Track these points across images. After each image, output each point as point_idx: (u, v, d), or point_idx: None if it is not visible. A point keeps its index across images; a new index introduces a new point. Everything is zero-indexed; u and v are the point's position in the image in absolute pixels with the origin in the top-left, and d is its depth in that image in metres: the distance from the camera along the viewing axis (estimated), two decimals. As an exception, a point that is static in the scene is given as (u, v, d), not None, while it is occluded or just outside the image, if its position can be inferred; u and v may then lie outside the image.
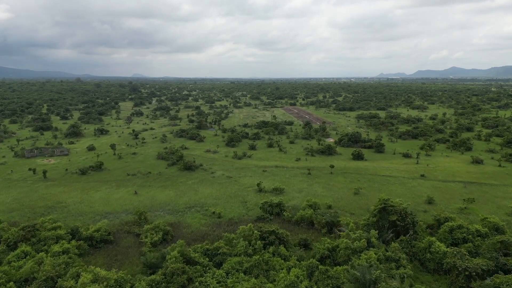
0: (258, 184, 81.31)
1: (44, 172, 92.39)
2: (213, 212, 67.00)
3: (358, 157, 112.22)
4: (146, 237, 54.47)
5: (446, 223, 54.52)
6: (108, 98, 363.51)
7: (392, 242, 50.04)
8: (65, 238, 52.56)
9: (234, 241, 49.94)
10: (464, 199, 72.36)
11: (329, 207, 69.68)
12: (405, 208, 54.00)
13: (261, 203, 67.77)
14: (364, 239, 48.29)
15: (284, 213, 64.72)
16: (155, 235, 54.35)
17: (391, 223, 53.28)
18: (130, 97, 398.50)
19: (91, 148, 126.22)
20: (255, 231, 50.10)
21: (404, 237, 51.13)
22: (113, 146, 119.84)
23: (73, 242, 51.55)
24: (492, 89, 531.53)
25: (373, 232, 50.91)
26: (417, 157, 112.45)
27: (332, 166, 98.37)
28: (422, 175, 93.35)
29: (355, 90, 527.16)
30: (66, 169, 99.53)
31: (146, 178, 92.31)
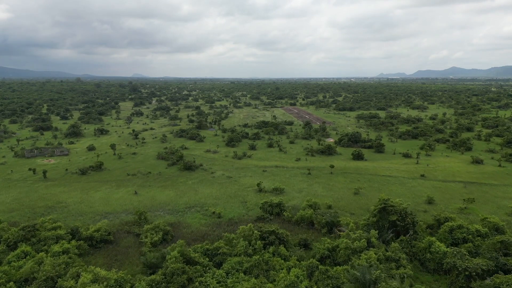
0: (258, 184, 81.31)
1: (44, 172, 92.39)
2: (213, 212, 67.00)
3: (358, 157, 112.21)
4: (146, 237, 54.46)
5: (446, 223, 54.51)
6: (108, 98, 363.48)
7: (392, 242, 50.06)
8: (65, 238, 52.56)
9: (234, 241, 49.93)
10: (464, 199, 72.34)
11: (329, 207, 69.68)
12: (405, 208, 53.99)
13: (261, 203, 67.75)
14: (364, 239, 48.29)
15: (284, 213, 64.70)
16: (155, 235, 54.35)
17: (391, 223, 53.29)
18: (130, 97, 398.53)
19: (91, 148, 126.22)
20: (255, 231, 50.10)
21: (404, 237, 51.15)
22: (113, 146, 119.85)
23: (73, 242, 51.53)
24: (492, 89, 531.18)
25: (373, 232, 50.91)
26: (417, 157, 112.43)
27: (332, 166, 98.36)
28: (422, 175, 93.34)
29: (355, 90, 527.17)
30: (66, 169, 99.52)
31: (146, 178, 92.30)
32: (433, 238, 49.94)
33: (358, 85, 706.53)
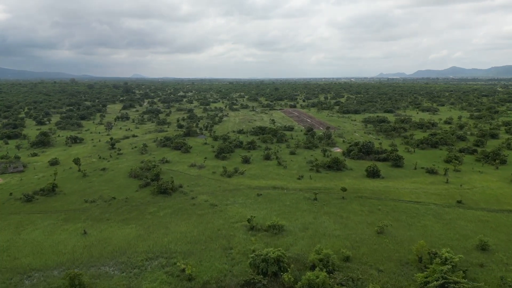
0: (249, 220, 61.20)
1: (-23, 199, 72.30)
2: (183, 270, 46.99)
3: (373, 174, 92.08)
4: (64, 332, 34.32)
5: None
6: (97, 100, 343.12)
7: None
8: None
9: None
10: (533, 246, 52.30)
11: (347, 259, 49.85)
12: (479, 286, 33.88)
13: (251, 257, 47.60)
14: None
15: (284, 275, 44.54)
16: (78, 328, 34.23)
17: (455, 310, 33.31)
18: (121, 98, 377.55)
19: (53, 163, 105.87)
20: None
21: None
22: (77, 161, 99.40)
23: None
24: (498, 89, 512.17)
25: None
26: (445, 174, 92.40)
27: (344, 190, 78.13)
28: (459, 202, 73.32)
29: (357, 90, 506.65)
30: (11, 194, 79.41)
31: (107, 206, 72.16)
32: None
33: (359, 86, 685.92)
